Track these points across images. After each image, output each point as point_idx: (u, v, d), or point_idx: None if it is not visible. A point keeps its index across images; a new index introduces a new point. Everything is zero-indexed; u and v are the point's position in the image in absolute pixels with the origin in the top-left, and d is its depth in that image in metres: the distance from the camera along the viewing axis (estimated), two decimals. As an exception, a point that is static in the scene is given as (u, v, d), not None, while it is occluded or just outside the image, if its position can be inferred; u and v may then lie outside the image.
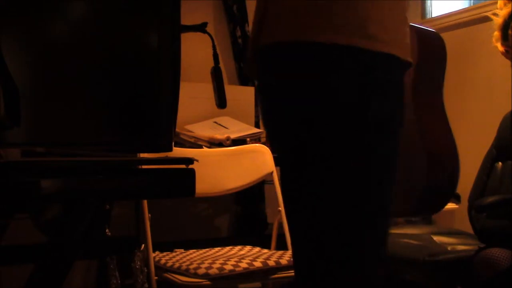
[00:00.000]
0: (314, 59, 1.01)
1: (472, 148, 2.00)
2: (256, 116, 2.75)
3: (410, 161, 1.52)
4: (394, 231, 2.22)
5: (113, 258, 1.98)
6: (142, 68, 0.99)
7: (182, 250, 2.13)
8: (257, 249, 2.15)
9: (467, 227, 2.14)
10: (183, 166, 1.00)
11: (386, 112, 1.03)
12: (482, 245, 1.84)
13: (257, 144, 2.32)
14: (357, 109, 1.01)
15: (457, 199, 2.35)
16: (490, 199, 1.94)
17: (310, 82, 1.02)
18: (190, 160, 1.00)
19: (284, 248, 2.10)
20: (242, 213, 3.00)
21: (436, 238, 2.12)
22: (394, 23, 1.04)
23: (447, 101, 1.77)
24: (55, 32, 0.93)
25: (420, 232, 2.19)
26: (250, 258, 1.94)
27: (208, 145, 2.38)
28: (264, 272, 1.89)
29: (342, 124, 1.01)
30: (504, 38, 1.94)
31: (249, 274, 1.87)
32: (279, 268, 1.88)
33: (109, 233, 1.86)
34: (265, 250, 2.12)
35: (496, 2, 2.02)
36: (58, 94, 0.93)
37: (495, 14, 1.99)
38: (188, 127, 2.57)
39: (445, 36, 1.79)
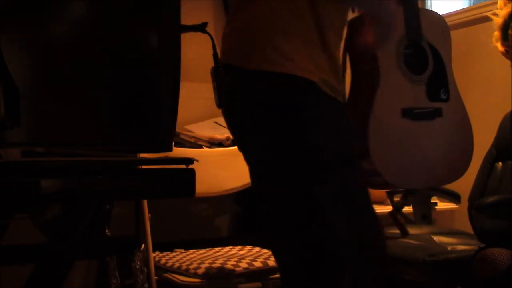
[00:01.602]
0: (236, 79, 1.30)
1: (472, 148, 2.00)
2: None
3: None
4: (394, 231, 2.21)
5: (113, 258, 1.98)
6: (142, 68, 0.99)
7: (182, 250, 2.13)
8: (257, 249, 2.15)
9: (467, 227, 2.13)
10: (183, 166, 1.00)
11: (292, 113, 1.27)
12: (482, 245, 1.84)
13: (257, 144, 2.31)
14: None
15: (457, 199, 2.35)
16: (490, 199, 1.93)
17: (238, 96, 1.30)
18: (190, 160, 1.00)
19: (284, 248, 2.10)
20: (242, 213, 3.00)
21: (436, 238, 2.12)
22: (292, 48, 1.27)
23: (447, 101, 1.78)
24: (55, 32, 0.93)
25: (420, 232, 2.19)
26: (250, 258, 1.94)
27: (208, 145, 2.38)
28: (264, 272, 1.89)
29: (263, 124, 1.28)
30: (504, 38, 1.93)
31: (249, 274, 1.87)
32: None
33: (109, 233, 1.86)
34: (265, 250, 2.12)
35: (496, 2, 2.02)
36: (58, 94, 0.93)
37: (495, 14, 1.98)
38: (188, 127, 2.57)
39: (445, 36, 1.79)
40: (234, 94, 1.31)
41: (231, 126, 1.37)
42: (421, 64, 1.74)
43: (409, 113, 1.68)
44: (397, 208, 2.27)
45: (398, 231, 2.19)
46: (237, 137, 1.37)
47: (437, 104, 1.74)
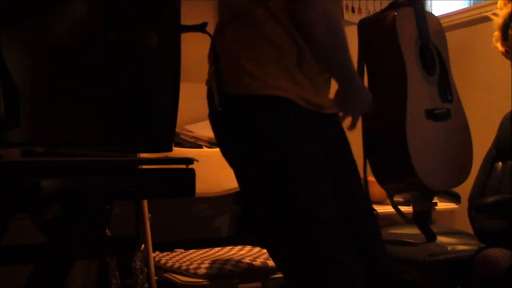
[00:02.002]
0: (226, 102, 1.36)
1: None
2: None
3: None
4: (394, 231, 2.21)
5: (113, 258, 1.98)
6: (142, 68, 0.99)
7: (182, 250, 2.13)
8: (257, 249, 2.15)
9: (467, 227, 2.14)
10: (183, 166, 1.00)
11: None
12: (482, 245, 1.84)
13: (257, 144, 2.31)
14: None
15: (457, 199, 2.35)
16: (490, 199, 1.94)
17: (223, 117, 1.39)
18: (190, 160, 1.00)
19: (284, 248, 2.10)
20: (242, 213, 3.00)
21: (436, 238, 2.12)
22: (259, 71, 1.33)
23: (447, 101, 1.78)
24: (55, 32, 0.93)
25: (420, 232, 2.19)
26: (250, 258, 1.94)
27: (208, 145, 2.38)
28: (264, 272, 1.89)
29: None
30: (504, 38, 1.93)
31: (249, 274, 1.87)
32: (279, 268, 1.88)
33: (109, 233, 1.86)
34: (265, 250, 2.12)
35: (496, 2, 2.02)
36: (58, 94, 0.93)
37: (495, 14, 1.99)
38: (188, 127, 2.57)
39: (445, 36, 1.80)
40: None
41: (220, 138, 1.47)
42: (429, 65, 1.75)
43: (431, 114, 1.70)
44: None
45: (398, 231, 2.19)
46: (224, 146, 1.46)
47: (446, 105, 1.76)
